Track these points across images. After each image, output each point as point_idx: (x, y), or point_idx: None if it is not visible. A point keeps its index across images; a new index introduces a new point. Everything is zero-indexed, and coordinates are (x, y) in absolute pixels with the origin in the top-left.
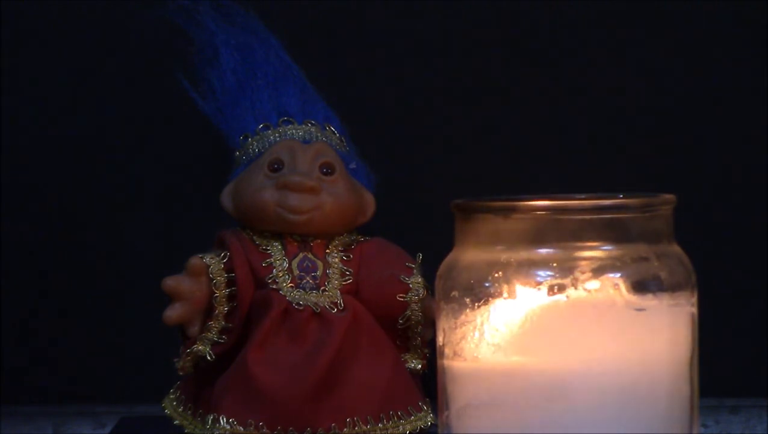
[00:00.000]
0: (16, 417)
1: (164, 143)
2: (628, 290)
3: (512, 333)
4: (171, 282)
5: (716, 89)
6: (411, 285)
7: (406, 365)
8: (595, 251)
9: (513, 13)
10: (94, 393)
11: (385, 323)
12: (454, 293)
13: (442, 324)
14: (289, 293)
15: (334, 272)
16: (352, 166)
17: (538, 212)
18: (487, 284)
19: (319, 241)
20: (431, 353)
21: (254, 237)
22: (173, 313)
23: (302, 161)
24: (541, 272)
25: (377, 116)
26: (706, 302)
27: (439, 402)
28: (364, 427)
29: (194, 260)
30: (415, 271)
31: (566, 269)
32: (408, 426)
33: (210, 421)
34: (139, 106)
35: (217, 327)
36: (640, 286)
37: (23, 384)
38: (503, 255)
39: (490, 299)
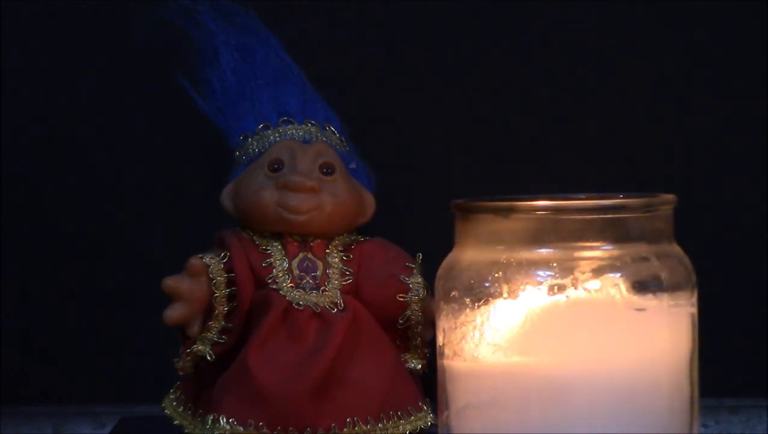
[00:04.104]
0: (16, 417)
1: (164, 143)
2: (628, 290)
3: (512, 333)
4: (171, 282)
5: (716, 89)
6: (411, 285)
7: (406, 365)
8: (595, 251)
9: (513, 13)
10: (94, 393)
11: (385, 323)
12: (454, 293)
13: (442, 324)
14: (289, 293)
15: (334, 272)
16: (352, 166)
17: (538, 212)
18: (487, 284)
19: (319, 241)
20: (431, 353)
21: (254, 237)
22: (173, 313)
23: (302, 161)
24: (541, 272)
25: (377, 116)
26: (706, 302)
27: (439, 402)
28: (364, 427)
29: (194, 260)
30: (415, 271)
31: (566, 269)
32: (408, 426)
33: (210, 421)
34: (139, 106)
35: (217, 327)
36: (640, 286)
37: (23, 384)
38: (503, 255)
39: (490, 299)
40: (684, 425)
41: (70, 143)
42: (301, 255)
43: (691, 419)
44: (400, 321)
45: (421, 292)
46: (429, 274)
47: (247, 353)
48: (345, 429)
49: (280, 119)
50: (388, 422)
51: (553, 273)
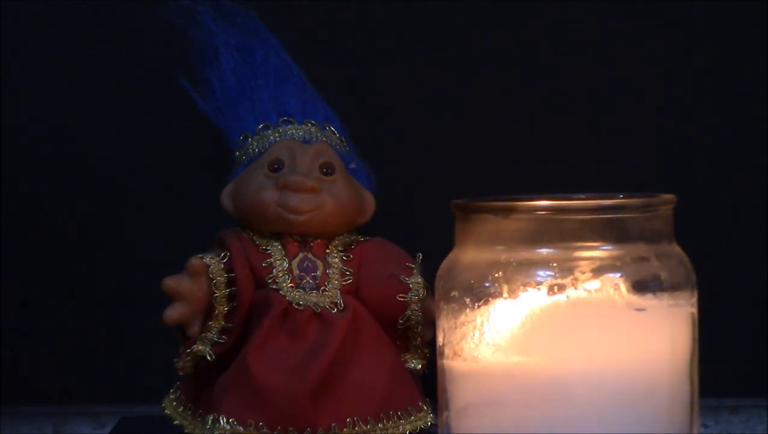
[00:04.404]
0: (16, 417)
1: (165, 143)
2: (628, 290)
3: (512, 333)
4: (171, 282)
5: (716, 89)
6: (411, 285)
7: (406, 365)
8: (595, 251)
9: (513, 13)
10: (94, 393)
11: (385, 323)
12: (454, 293)
13: (442, 324)
14: (289, 293)
15: (334, 272)
16: (352, 166)
17: (538, 212)
18: (487, 284)
19: (319, 241)
20: (431, 353)
21: (254, 237)
22: (173, 313)
23: (302, 161)
24: (541, 272)
25: (377, 116)
26: (706, 302)
27: (439, 402)
28: (364, 427)
29: (194, 260)
30: (415, 271)
31: (566, 269)
32: (408, 426)
33: (210, 421)
34: (139, 106)
35: (217, 327)
36: (640, 286)
37: (23, 384)
38: (503, 255)
39: (490, 299)
40: (684, 425)
41: (70, 143)
42: (301, 255)
43: (691, 419)
44: (400, 321)
45: (421, 292)
46: (429, 274)
47: (247, 353)
48: (345, 429)
49: (280, 119)
50: (388, 422)
51: (553, 273)
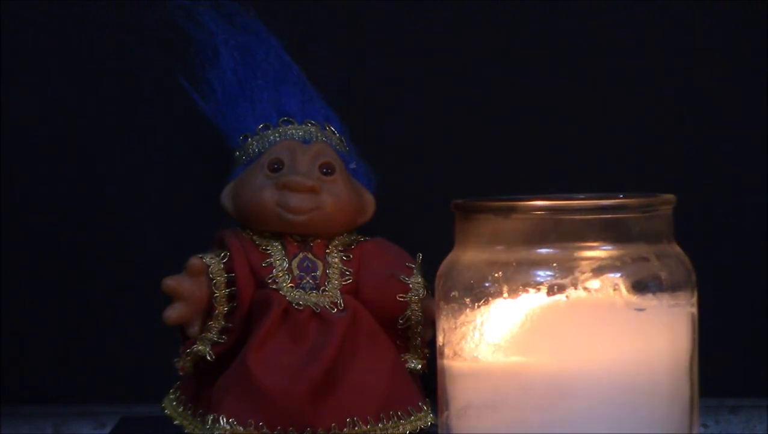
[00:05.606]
0: (16, 417)
1: (164, 143)
2: (628, 290)
3: (512, 333)
4: (171, 282)
5: (716, 89)
6: (411, 285)
7: (406, 365)
8: (595, 251)
9: (513, 13)
10: (94, 393)
11: (385, 323)
12: (454, 293)
13: (442, 324)
14: (289, 293)
15: (334, 272)
16: (352, 166)
17: (538, 212)
18: (487, 284)
19: (319, 241)
20: (431, 353)
21: (254, 237)
22: (173, 313)
23: (302, 161)
24: (541, 272)
25: (377, 116)
26: (706, 302)
27: (439, 402)
28: (364, 427)
29: (194, 260)
30: (415, 271)
31: (566, 269)
32: (408, 426)
33: (210, 421)
34: (139, 106)
35: (217, 327)
36: (640, 286)
37: (23, 384)
38: (503, 255)
39: (490, 299)
40: (684, 425)
41: (70, 143)
42: (301, 255)
43: (691, 419)
44: (400, 321)
45: (421, 292)
46: (429, 274)
47: (247, 353)
48: (345, 429)
49: (280, 119)
50: (388, 422)
51: (553, 273)
